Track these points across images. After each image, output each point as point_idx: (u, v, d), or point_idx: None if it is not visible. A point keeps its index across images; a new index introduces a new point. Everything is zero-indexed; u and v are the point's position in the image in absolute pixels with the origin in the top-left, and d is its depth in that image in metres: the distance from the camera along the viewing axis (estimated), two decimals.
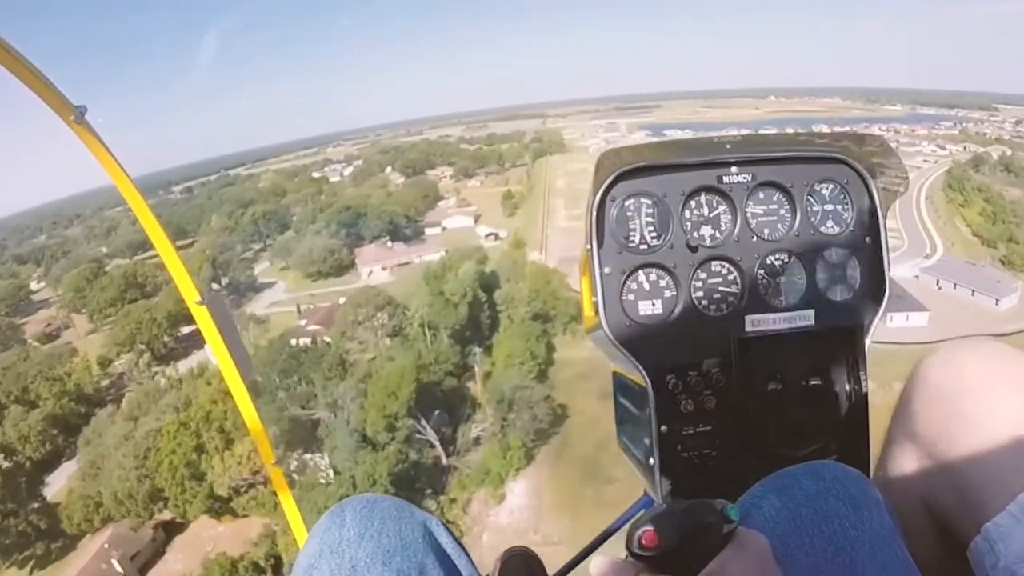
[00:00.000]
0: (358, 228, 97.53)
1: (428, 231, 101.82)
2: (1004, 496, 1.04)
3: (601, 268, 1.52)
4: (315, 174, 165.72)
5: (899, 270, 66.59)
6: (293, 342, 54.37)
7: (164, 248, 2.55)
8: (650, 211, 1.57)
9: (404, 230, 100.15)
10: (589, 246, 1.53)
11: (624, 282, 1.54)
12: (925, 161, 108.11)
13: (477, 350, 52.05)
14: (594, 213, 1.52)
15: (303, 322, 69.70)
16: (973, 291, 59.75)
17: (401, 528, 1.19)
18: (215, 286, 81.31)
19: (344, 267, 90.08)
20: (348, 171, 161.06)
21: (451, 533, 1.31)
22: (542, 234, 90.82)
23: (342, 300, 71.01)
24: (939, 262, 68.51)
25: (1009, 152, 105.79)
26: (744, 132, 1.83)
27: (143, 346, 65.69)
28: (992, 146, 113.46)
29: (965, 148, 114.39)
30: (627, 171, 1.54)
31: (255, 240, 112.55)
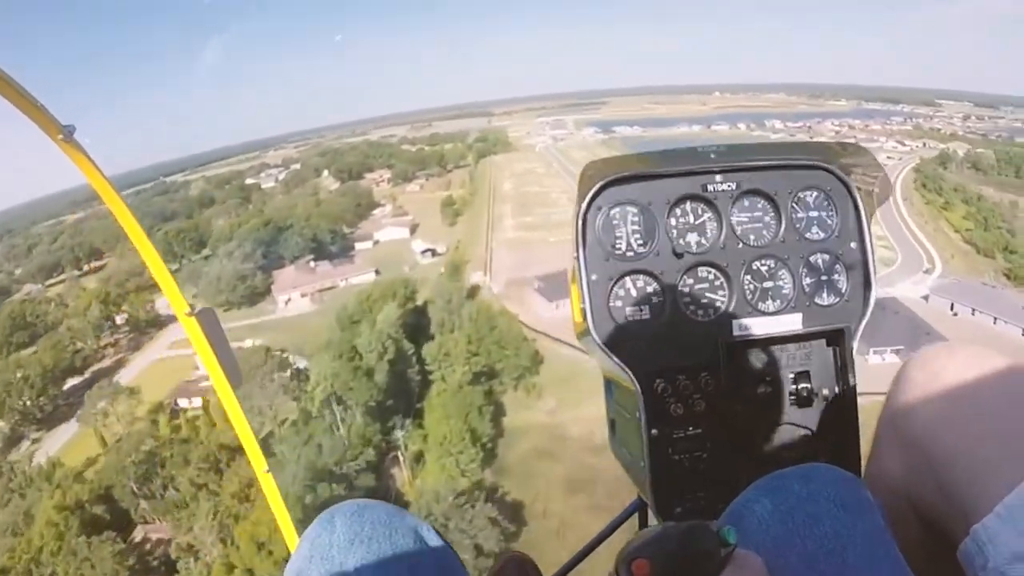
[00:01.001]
0: (278, 247, 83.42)
1: (359, 246, 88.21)
2: (991, 497, 1.03)
3: (588, 275, 1.52)
4: (249, 180, 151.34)
5: (903, 289, 56.70)
6: (184, 402, 40.53)
7: (154, 262, 2.56)
8: (636, 219, 1.56)
9: (330, 246, 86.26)
10: (576, 254, 1.53)
11: (611, 288, 1.54)
12: (889, 158, 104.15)
13: (401, 433, 38.81)
14: (580, 221, 1.52)
15: (199, 374, 55.89)
16: (995, 318, 49.51)
17: (391, 533, 1.17)
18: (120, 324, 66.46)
19: (259, 294, 75.91)
20: (284, 176, 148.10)
21: (442, 538, 1.30)
22: (486, 248, 77.65)
23: (249, 343, 57.71)
24: (952, 283, 58.82)
25: (972, 149, 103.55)
26: (728, 142, 1.78)
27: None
28: (952, 142, 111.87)
29: (924, 144, 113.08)
30: (612, 180, 1.54)
31: (170, 260, 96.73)
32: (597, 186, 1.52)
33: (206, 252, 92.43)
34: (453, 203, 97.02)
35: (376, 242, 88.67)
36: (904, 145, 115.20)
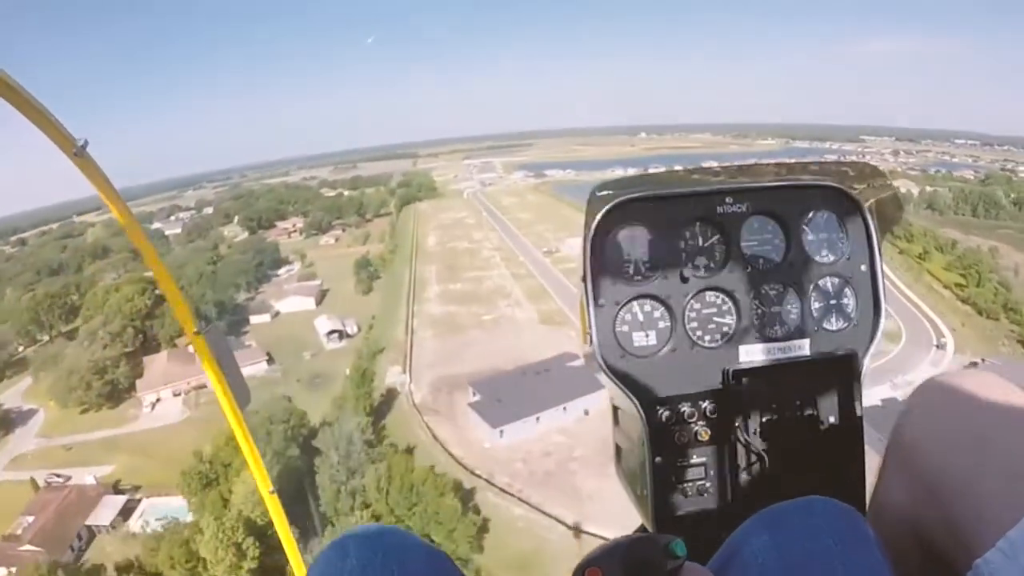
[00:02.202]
0: (154, 323, 66.56)
1: (254, 320, 72.42)
2: (995, 532, 1.00)
3: (595, 300, 1.48)
4: (156, 224, 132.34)
5: (920, 374, 44.76)
6: None
7: (164, 280, 2.56)
8: (644, 242, 1.51)
9: (219, 322, 69.37)
10: (584, 278, 1.49)
11: (618, 313, 1.49)
12: None
13: None
14: (588, 245, 1.47)
15: (25, 523, 39.21)
16: None
17: (405, 560, 1.12)
18: None
19: (122, 392, 58.42)
20: (191, 221, 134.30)
21: (455, 566, 1.24)
22: (406, 330, 62.92)
23: (98, 473, 41.93)
24: (988, 368, 47.81)
25: (924, 188, 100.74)
26: (736, 163, 1.60)
27: None
28: (897, 179, 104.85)
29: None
30: (621, 202, 1.49)
31: (39, 331, 77.91)
32: (606, 208, 1.47)
33: (79, 322, 74.97)
34: (369, 264, 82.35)
35: (276, 314, 72.97)
36: None
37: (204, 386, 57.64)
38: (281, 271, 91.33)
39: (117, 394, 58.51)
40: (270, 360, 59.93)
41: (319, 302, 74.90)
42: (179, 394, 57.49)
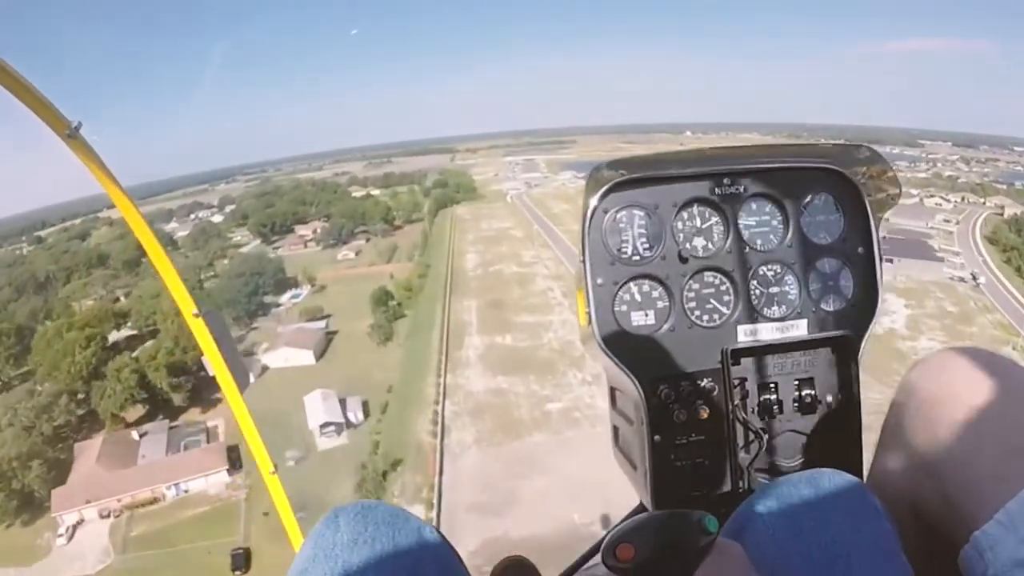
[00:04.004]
0: (93, 393, 47.22)
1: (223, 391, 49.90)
2: (992, 504, 1.00)
3: (593, 279, 1.47)
4: (171, 225, 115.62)
5: None
6: None
7: (161, 262, 2.49)
8: (642, 223, 1.50)
9: (177, 390, 48.91)
10: (582, 257, 1.48)
11: (617, 293, 1.49)
12: (947, 221, 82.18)
13: None
14: (587, 224, 1.47)
15: None
16: None
17: (395, 534, 1.12)
18: None
19: (39, 501, 38.81)
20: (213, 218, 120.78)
21: (445, 540, 1.25)
22: (436, 421, 40.98)
23: None
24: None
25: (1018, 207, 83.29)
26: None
27: None
28: (994, 197, 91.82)
29: (964, 199, 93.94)
30: (620, 183, 1.48)
31: None
32: (604, 188, 1.46)
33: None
34: (390, 297, 60.79)
35: (263, 370, 51.95)
36: (947, 201, 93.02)
37: (147, 502, 37.13)
38: (284, 299, 70.72)
39: (34, 504, 38.47)
40: (233, 468, 38.74)
41: (320, 355, 53.83)
42: (107, 516, 37.18)
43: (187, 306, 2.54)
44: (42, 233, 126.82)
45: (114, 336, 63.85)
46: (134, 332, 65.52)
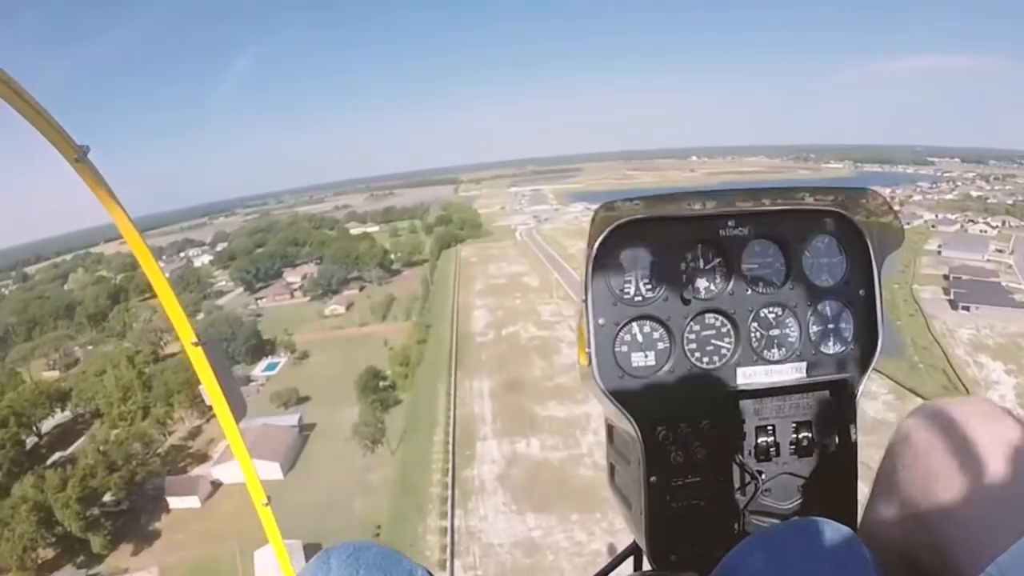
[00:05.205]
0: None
1: (174, 503, 38.28)
2: (983, 558, 0.97)
3: (595, 320, 1.44)
4: (161, 263, 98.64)
5: None
6: None
7: (163, 290, 2.49)
8: (646, 263, 1.48)
9: (116, 509, 35.73)
10: (584, 297, 1.46)
11: (618, 334, 1.46)
12: (999, 251, 75.69)
13: None
14: (590, 264, 1.44)
15: None
16: None
17: (385, 575, 1.10)
18: None
19: None
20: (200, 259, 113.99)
21: None
22: None
23: None
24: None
25: None
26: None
27: None
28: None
29: (1005, 223, 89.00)
30: (624, 223, 1.44)
31: None
32: (609, 229, 1.42)
33: None
34: (381, 378, 48.00)
35: (215, 488, 39.05)
36: (991, 227, 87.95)
37: None
38: (257, 371, 58.35)
39: None
40: None
41: (290, 466, 40.70)
42: None
43: (186, 334, 2.52)
44: (31, 269, 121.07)
45: (47, 425, 51.30)
46: (71, 416, 53.07)
